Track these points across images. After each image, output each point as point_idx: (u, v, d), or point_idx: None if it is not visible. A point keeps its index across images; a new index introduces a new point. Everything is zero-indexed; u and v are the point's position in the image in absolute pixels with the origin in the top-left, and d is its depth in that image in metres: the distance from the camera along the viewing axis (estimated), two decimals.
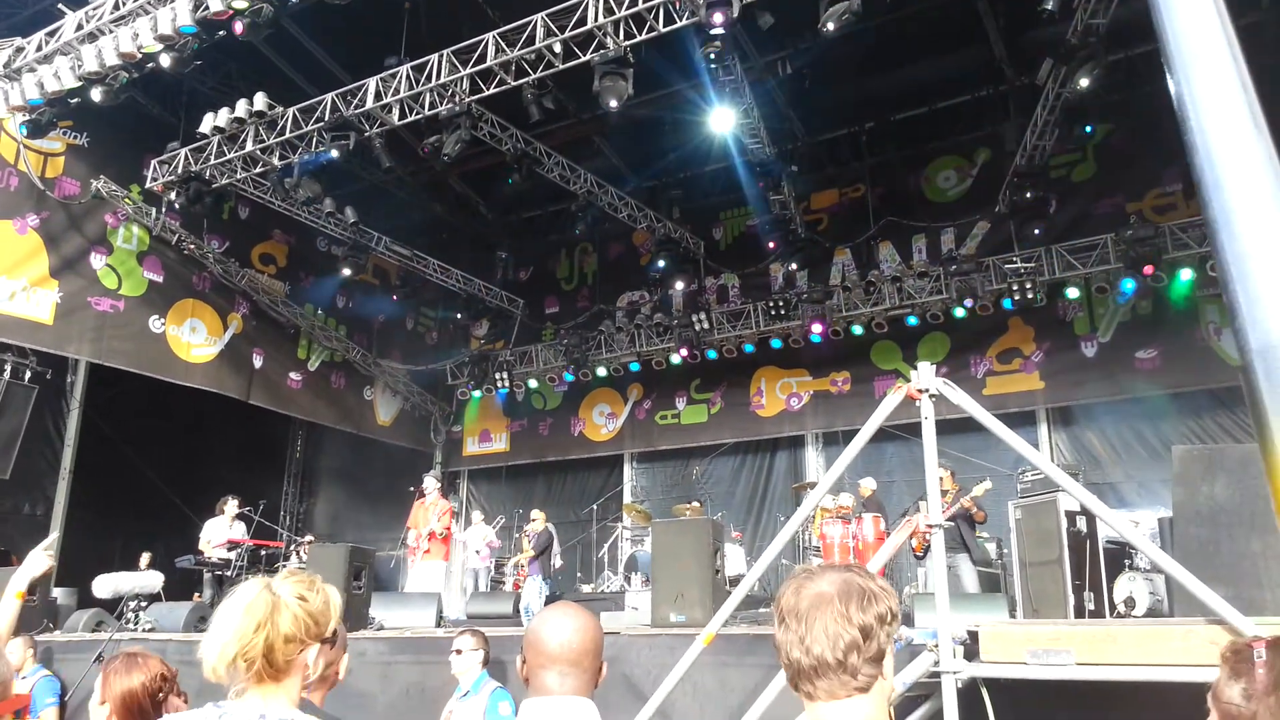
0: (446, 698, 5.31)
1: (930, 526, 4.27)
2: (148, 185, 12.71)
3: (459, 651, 5.27)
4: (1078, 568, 7.05)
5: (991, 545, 10.19)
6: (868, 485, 11.05)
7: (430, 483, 11.30)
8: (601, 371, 16.45)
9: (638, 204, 14.86)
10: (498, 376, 16.82)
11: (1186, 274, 12.25)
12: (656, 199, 15.72)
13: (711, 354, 15.52)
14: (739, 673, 5.06)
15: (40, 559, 3.32)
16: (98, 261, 12.94)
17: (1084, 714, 3.85)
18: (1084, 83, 10.54)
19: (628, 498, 16.42)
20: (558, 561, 13.17)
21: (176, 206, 12.62)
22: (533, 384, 17.39)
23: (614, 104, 9.51)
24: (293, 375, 15.93)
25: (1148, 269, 12.15)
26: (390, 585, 14.70)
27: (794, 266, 14.96)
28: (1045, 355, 13.75)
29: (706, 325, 15.02)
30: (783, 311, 14.48)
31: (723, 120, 11.73)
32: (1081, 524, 7.31)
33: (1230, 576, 4.27)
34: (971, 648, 3.91)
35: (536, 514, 12.38)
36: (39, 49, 10.42)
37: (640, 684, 5.22)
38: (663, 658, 5.27)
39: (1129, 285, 12.63)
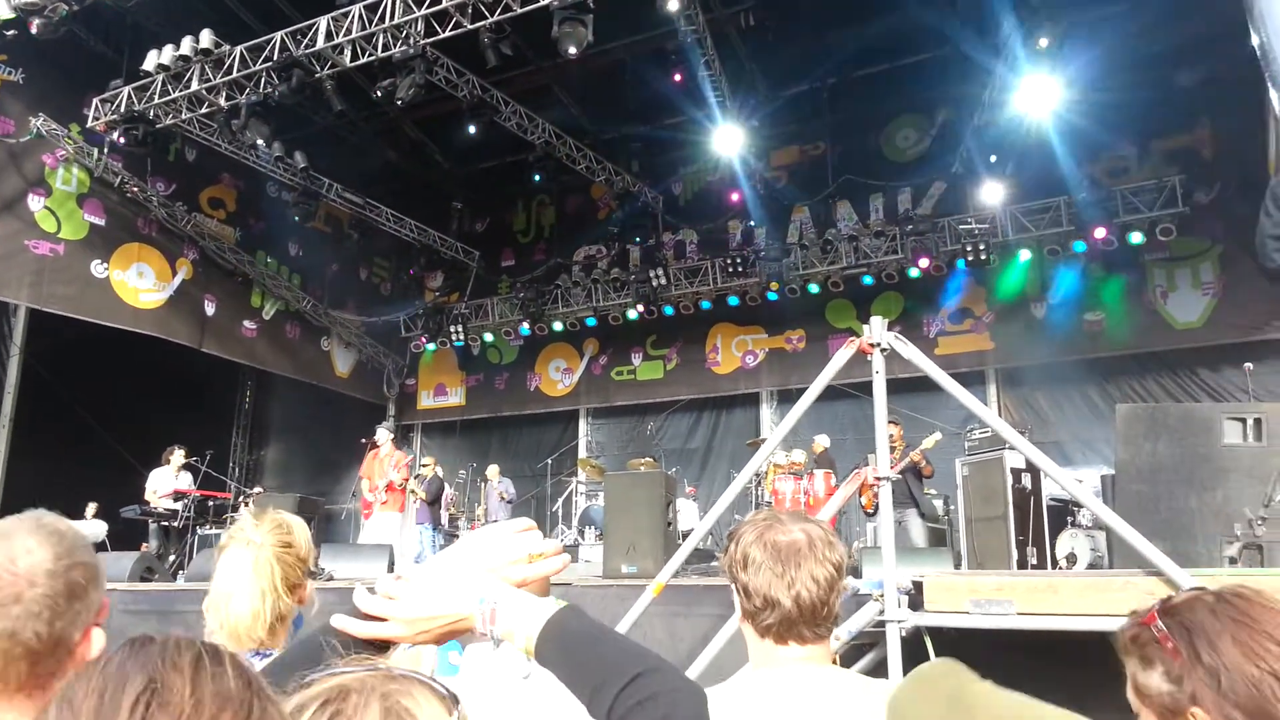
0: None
1: (878, 479, 4.30)
2: (89, 124, 12.23)
3: None
4: (1021, 523, 7.21)
5: (939, 501, 10.37)
6: (821, 442, 11.17)
7: (383, 434, 11.17)
8: (558, 326, 16.36)
9: (597, 156, 14.66)
10: (452, 329, 16.65)
11: (1136, 237, 12.43)
12: (616, 152, 15.50)
13: (668, 310, 15.48)
14: (688, 622, 5.11)
15: None
16: (36, 204, 12.48)
17: (1025, 663, 3.92)
18: (1044, 43, 10.57)
19: (583, 453, 16.43)
20: (508, 512, 13.15)
21: (120, 145, 12.17)
22: (488, 337, 17.25)
23: (573, 51, 9.34)
24: (247, 324, 15.59)
25: (1099, 232, 12.33)
26: (342, 537, 14.61)
27: (752, 224, 14.93)
28: (996, 316, 13.93)
29: (664, 281, 14.95)
30: (740, 269, 14.48)
31: (684, 73, 11.59)
32: (1027, 481, 7.47)
33: (1168, 531, 4.39)
34: (916, 598, 3.97)
35: (428, 460, 12.40)
36: None
37: None
38: (613, 608, 5.28)
39: (1080, 247, 12.82)
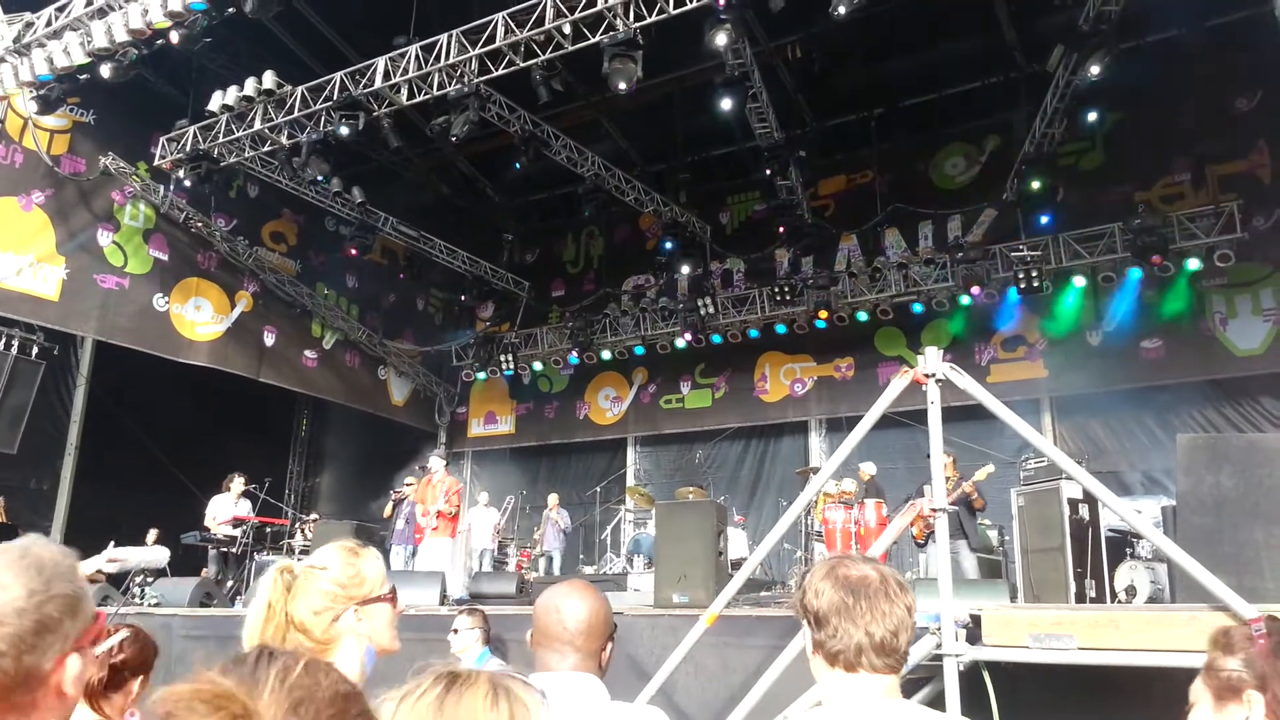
0: None
1: (934, 510, 4.28)
2: (156, 163, 12.70)
3: (456, 630, 5.34)
4: (1079, 555, 7.07)
5: (993, 532, 10.21)
6: (867, 469, 11.06)
7: (436, 461, 11.32)
8: (606, 355, 16.47)
9: (644, 188, 14.79)
10: (503, 358, 16.85)
11: (1193, 263, 12.21)
12: (663, 183, 15.68)
13: (716, 339, 15.52)
14: (741, 653, 5.09)
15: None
16: (105, 239, 12.96)
17: (1085, 699, 3.87)
18: (1095, 70, 10.50)
19: (631, 481, 16.45)
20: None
21: (186, 184, 12.57)
22: (538, 366, 17.42)
23: (623, 86, 9.48)
24: (308, 353, 16.01)
25: (1155, 258, 12.13)
26: (394, 564, 14.75)
27: (799, 252, 14.93)
28: (1050, 344, 13.73)
29: (711, 310, 15.00)
30: (788, 297, 14.46)
31: (731, 105, 11.68)
32: (1084, 511, 7.33)
33: (1233, 565, 4.29)
34: (974, 631, 3.93)
35: (411, 480, 12.54)
36: (48, 24, 10.40)
37: (644, 663, 5.26)
38: (665, 638, 5.29)
39: (1135, 274, 12.61)
